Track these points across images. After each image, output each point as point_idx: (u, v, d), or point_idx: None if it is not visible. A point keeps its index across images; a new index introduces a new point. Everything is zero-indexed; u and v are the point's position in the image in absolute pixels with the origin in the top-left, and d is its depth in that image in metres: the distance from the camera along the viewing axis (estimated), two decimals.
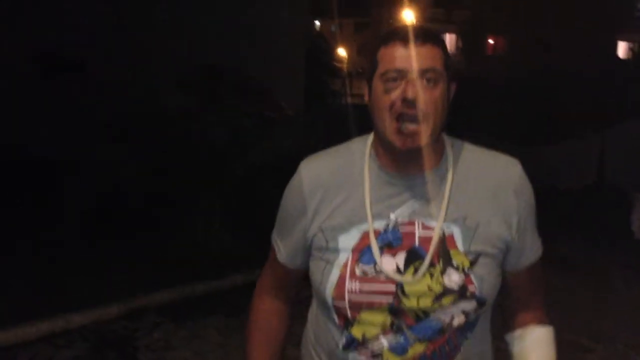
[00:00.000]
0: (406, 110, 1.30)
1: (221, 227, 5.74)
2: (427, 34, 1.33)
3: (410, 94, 1.29)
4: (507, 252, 1.42)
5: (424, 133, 1.31)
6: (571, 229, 7.34)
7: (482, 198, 1.39)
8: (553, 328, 1.51)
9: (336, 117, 11.71)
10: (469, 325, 1.40)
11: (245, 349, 1.57)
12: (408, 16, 33.40)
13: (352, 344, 1.40)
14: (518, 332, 1.51)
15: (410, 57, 1.30)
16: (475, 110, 11.67)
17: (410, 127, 1.31)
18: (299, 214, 1.44)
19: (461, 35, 37.56)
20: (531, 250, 1.47)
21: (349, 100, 18.16)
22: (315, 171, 1.45)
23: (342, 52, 36.63)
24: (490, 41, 37.20)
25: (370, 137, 1.45)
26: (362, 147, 1.45)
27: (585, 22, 33.79)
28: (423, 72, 1.30)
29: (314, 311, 1.55)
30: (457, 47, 38.48)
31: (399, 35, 1.33)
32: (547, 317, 1.53)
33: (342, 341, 1.41)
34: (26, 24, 7.13)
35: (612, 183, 8.45)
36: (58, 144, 6.37)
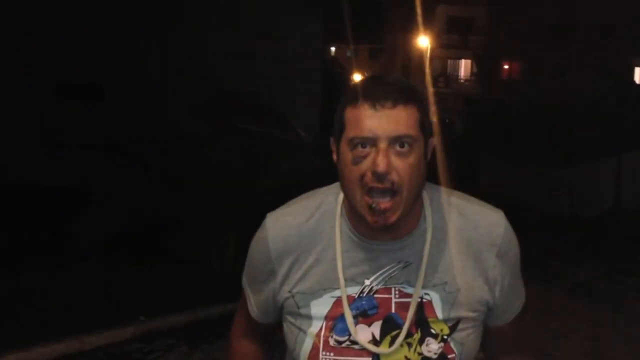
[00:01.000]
0: (376, 185, 1.18)
1: (236, 250, 5.75)
2: (398, 93, 1.19)
3: (380, 167, 1.16)
4: (490, 312, 1.34)
5: (397, 208, 1.20)
6: (588, 253, 7.28)
7: (463, 261, 1.29)
8: None
9: None
10: None
11: None
12: (422, 42, 33.55)
13: None
14: None
15: (380, 122, 1.17)
16: (491, 134, 11.67)
17: (382, 204, 1.18)
18: (267, 276, 1.34)
19: (476, 61, 37.68)
20: (514, 306, 1.39)
21: None
22: (282, 232, 1.33)
23: (357, 77, 36.86)
24: (505, 66, 37.26)
25: (338, 193, 1.32)
26: (332, 203, 1.33)
27: (601, 47, 33.81)
28: (395, 140, 1.17)
29: None
30: (472, 73, 38.58)
31: (367, 94, 1.19)
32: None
33: None
34: (43, 50, 7.26)
35: (629, 207, 8.38)
36: (74, 170, 6.45)
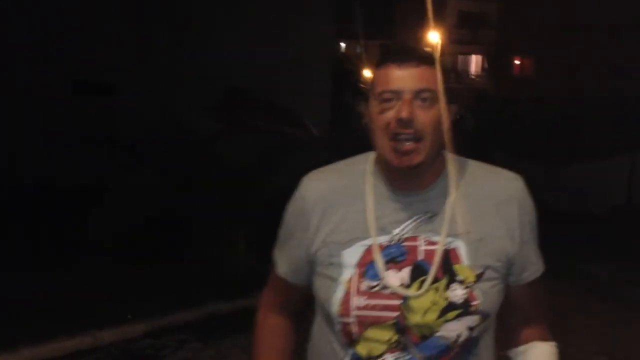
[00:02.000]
0: (401, 130, 1.31)
1: (247, 247, 5.77)
2: (421, 56, 1.35)
3: (404, 114, 1.30)
4: (510, 267, 1.41)
5: (420, 151, 1.32)
6: (598, 250, 7.25)
7: (485, 212, 1.39)
8: (556, 344, 1.49)
9: (362, 138, 11.75)
10: (472, 341, 1.39)
11: None
12: (433, 37, 33.44)
13: None
14: (521, 348, 1.49)
15: (404, 78, 1.32)
16: (502, 130, 11.63)
17: (406, 145, 1.32)
18: (302, 229, 1.44)
19: (487, 56, 37.50)
20: (534, 265, 1.46)
21: None
22: (317, 187, 1.45)
23: (367, 73, 36.78)
24: (517, 62, 37.06)
25: (372, 155, 1.45)
26: (364, 164, 1.45)
27: (612, 44, 33.54)
28: (417, 93, 1.31)
29: (317, 328, 1.51)
30: (483, 68, 38.42)
31: (393, 56, 1.35)
32: (550, 334, 1.51)
33: (347, 359, 1.40)
34: (56, 49, 7.29)
35: None
36: (87, 168, 6.48)
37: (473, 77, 38.94)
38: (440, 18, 34.72)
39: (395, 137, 1.32)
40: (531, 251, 1.44)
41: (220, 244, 5.76)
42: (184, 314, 4.89)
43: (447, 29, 37.01)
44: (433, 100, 1.32)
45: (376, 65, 1.38)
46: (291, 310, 1.57)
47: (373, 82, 1.38)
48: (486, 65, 38.02)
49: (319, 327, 1.50)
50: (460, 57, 40.19)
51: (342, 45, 35.06)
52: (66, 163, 6.59)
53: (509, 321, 1.50)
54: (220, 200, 5.78)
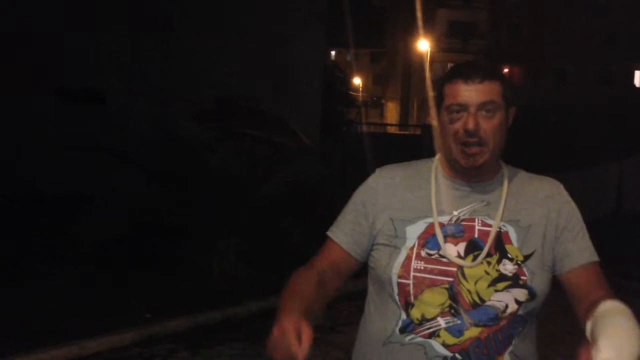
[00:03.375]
0: (468, 139, 1.52)
1: (237, 255, 5.75)
2: (485, 71, 1.54)
3: (470, 126, 1.50)
4: (555, 255, 1.57)
5: (484, 154, 1.53)
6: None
7: (533, 205, 1.60)
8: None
9: (352, 146, 11.78)
10: (521, 318, 1.53)
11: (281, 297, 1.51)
12: (423, 46, 33.60)
13: (409, 327, 1.52)
14: (595, 313, 1.41)
15: (470, 93, 1.52)
16: None
17: (473, 149, 1.52)
18: (371, 205, 1.61)
19: None
20: (582, 251, 1.58)
21: (364, 129, 18.23)
22: (389, 174, 1.66)
23: (358, 81, 36.89)
24: (506, 70, 37.27)
25: (435, 157, 1.67)
26: (428, 162, 1.67)
27: (601, 52, 33.83)
28: (482, 105, 1.52)
29: (371, 305, 1.64)
30: None
31: (461, 73, 1.55)
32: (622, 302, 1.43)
33: (400, 325, 1.53)
34: (44, 56, 7.25)
35: (629, 212, 8.37)
36: (78, 176, 6.45)
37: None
38: (430, 27, 34.90)
39: (463, 143, 1.52)
40: (577, 240, 1.59)
41: (210, 252, 5.73)
42: (173, 323, 4.86)
43: (437, 37, 37.23)
44: (495, 110, 1.53)
45: (445, 80, 1.57)
46: (327, 278, 1.59)
47: (442, 94, 1.56)
48: None
49: (373, 304, 1.63)
50: (450, 66, 40.35)
51: (332, 53, 35.16)
52: (53, 171, 6.55)
53: (576, 308, 1.55)
54: (210, 208, 5.76)
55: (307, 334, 1.32)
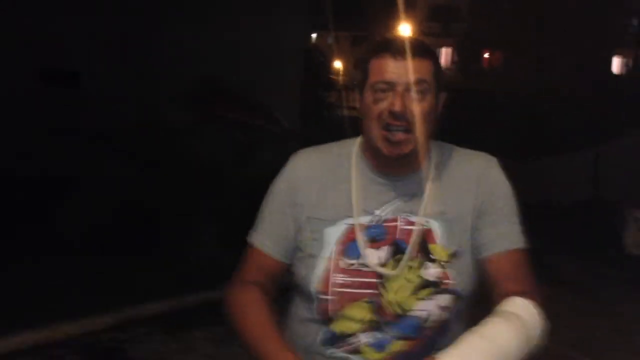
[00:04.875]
0: (393, 122, 1.36)
1: (216, 240, 5.73)
2: (416, 47, 1.39)
3: (397, 107, 1.34)
4: (474, 240, 1.44)
5: (410, 142, 1.37)
6: (564, 243, 7.36)
7: (459, 192, 1.45)
8: (539, 306, 1.40)
9: (332, 130, 11.77)
10: (445, 324, 1.43)
11: (248, 336, 1.43)
12: (405, 30, 33.55)
13: (331, 340, 1.43)
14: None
15: (399, 70, 1.36)
16: (469, 123, 11.74)
17: (397, 136, 1.37)
18: (290, 204, 1.48)
19: (457, 49, 37.78)
20: (499, 238, 1.44)
21: (345, 113, 18.22)
22: (306, 165, 1.50)
23: (338, 65, 36.78)
24: (486, 55, 37.39)
25: (357, 140, 1.51)
26: (349, 148, 1.50)
27: (579, 37, 34.01)
28: (411, 85, 1.36)
29: (293, 309, 1.55)
30: (453, 61, 38.71)
31: (390, 47, 1.38)
32: (532, 297, 1.41)
33: (321, 336, 1.44)
34: (23, 38, 7.12)
35: (606, 198, 8.48)
36: (59, 159, 6.36)
37: (443, 69, 39.22)
38: (411, 10, 34.84)
39: (387, 128, 1.37)
40: (497, 224, 1.45)
41: (188, 235, 5.70)
42: (148, 307, 4.83)
43: (417, 21, 37.19)
44: (425, 91, 1.37)
45: (371, 55, 1.41)
46: (268, 292, 1.52)
47: (367, 71, 1.41)
48: (456, 58, 38.30)
49: (294, 306, 1.54)
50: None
51: (313, 36, 34.99)
52: (30, 154, 6.45)
53: (491, 297, 1.47)
54: (189, 192, 5.73)
55: None
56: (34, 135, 6.63)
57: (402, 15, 31.12)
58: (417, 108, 1.36)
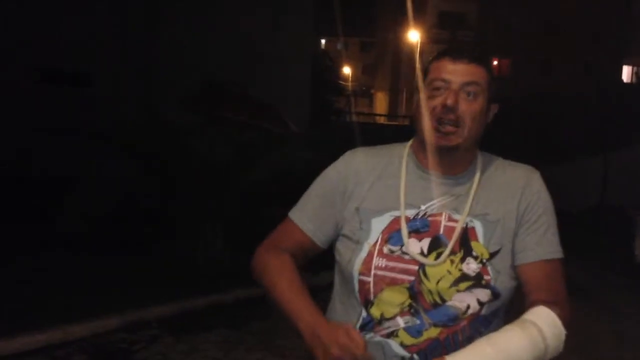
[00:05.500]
0: (444, 115, 1.46)
1: (223, 242, 5.74)
2: (474, 54, 1.50)
3: (449, 101, 1.45)
4: (514, 247, 1.51)
5: (458, 135, 1.47)
6: (572, 249, 7.32)
7: (504, 197, 1.53)
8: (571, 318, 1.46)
9: (340, 135, 11.78)
10: (483, 319, 1.48)
11: (279, 296, 1.48)
12: (413, 36, 33.58)
13: (369, 324, 1.49)
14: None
15: (455, 71, 1.48)
16: None
17: (447, 128, 1.47)
18: (340, 192, 1.56)
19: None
20: (536, 247, 1.51)
21: (353, 117, 18.25)
22: (359, 159, 1.59)
23: (347, 70, 36.84)
24: (495, 62, 37.32)
25: (409, 142, 1.62)
26: (401, 148, 1.61)
27: (588, 46, 33.95)
28: (464, 85, 1.47)
29: (334, 294, 1.61)
30: None
31: (450, 52, 1.51)
32: (562, 310, 1.47)
33: (360, 322, 1.50)
34: (30, 39, 7.16)
35: (615, 205, 8.44)
36: (60, 159, 6.39)
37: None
38: (420, 17, 34.86)
39: (439, 121, 1.46)
40: (535, 233, 1.52)
41: (196, 238, 5.71)
42: (157, 309, 4.84)
43: (426, 28, 37.20)
44: (477, 94, 1.48)
45: (433, 59, 1.53)
46: (297, 261, 1.57)
47: (426, 73, 1.52)
48: None
49: (336, 291, 1.60)
50: None
51: (322, 41, 35.06)
52: (37, 154, 6.49)
53: (523, 304, 1.52)
54: (196, 194, 5.74)
55: (357, 334, 1.33)
56: (38, 135, 6.66)
57: (410, 22, 31.14)
58: (468, 107, 1.47)
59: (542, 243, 1.52)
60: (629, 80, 34.83)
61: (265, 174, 5.79)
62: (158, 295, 4.95)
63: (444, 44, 38.44)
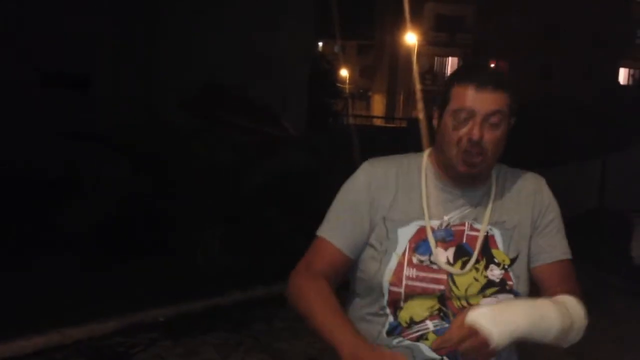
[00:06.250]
0: (470, 148, 1.50)
1: (222, 245, 5.73)
2: (497, 81, 1.51)
3: (475, 136, 1.49)
4: (530, 248, 1.61)
5: (482, 164, 1.53)
6: (573, 254, 7.33)
7: (517, 205, 1.62)
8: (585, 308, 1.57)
9: (338, 138, 11.78)
10: None
11: (318, 322, 1.44)
12: (411, 39, 33.62)
13: (397, 329, 1.53)
14: None
15: (480, 100, 1.49)
16: None
17: (474, 159, 1.51)
18: (364, 205, 1.58)
19: (463, 59, 37.81)
20: (550, 248, 1.62)
21: (351, 120, 18.25)
22: (380, 170, 1.62)
23: (344, 73, 36.86)
24: (492, 65, 37.34)
25: (425, 153, 1.66)
26: (418, 159, 1.65)
27: (586, 48, 34.02)
28: (489, 115, 1.49)
29: (351, 309, 1.62)
30: None
31: (474, 78, 1.51)
32: (578, 299, 1.58)
33: (387, 327, 1.53)
34: (30, 40, 7.15)
35: (613, 208, 8.45)
36: (60, 161, 6.38)
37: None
38: (417, 20, 34.90)
39: (465, 152, 1.51)
40: (548, 235, 1.62)
41: (195, 241, 5.71)
42: (155, 312, 4.83)
43: (424, 31, 37.26)
44: (500, 121, 1.51)
45: (455, 80, 1.53)
46: (332, 284, 1.54)
47: (449, 96, 1.53)
48: None
49: (354, 307, 1.62)
50: (437, 59, 40.45)
51: (320, 44, 35.08)
52: (37, 156, 6.47)
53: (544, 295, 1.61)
54: (196, 196, 5.73)
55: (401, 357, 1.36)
56: (38, 136, 6.65)
57: (408, 24, 31.19)
58: (492, 136, 1.50)
59: (555, 245, 1.63)
60: (625, 83, 34.93)
61: (265, 177, 5.79)
62: (156, 298, 4.94)
63: (442, 47, 38.54)
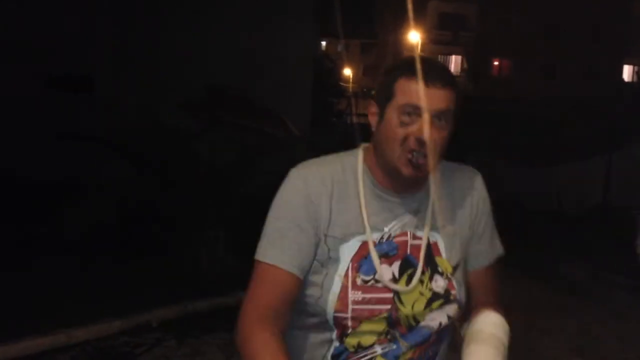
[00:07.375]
0: (418, 148, 1.38)
1: (226, 246, 5.74)
2: (446, 77, 1.40)
3: (425, 136, 1.37)
4: (469, 254, 1.55)
5: (429, 165, 1.40)
6: (575, 250, 7.32)
7: (455, 205, 1.53)
8: (504, 318, 1.54)
9: (342, 137, 11.77)
10: (447, 329, 1.51)
11: None
12: (414, 38, 33.57)
13: (343, 354, 1.44)
14: (473, 318, 1.55)
15: (430, 97, 1.37)
16: (480, 131, 11.72)
17: (420, 160, 1.38)
18: (307, 219, 1.42)
19: (466, 57, 37.78)
20: (482, 254, 1.57)
21: (355, 120, 18.23)
22: (316, 179, 1.45)
23: (348, 72, 36.83)
24: (496, 63, 37.32)
25: (359, 153, 1.51)
26: (352, 162, 1.50)
27: (589, 45, 33.93)
28: (438, 113, 1.38)
29: (296, 329, 1.48)
30: (462, 69, 38.69)
31: (422, 72, 1.39)
32: (503, 313, 1.56)
33: (332, 351, 1.45)
34: (32, 43, 7.16)
35: (617, 205, 8.43)
36: (61, 162, 6.39)
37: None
38: (420, 18, 34.87)
39: (411, 152, 1.38)
40: (487, 240, 1.57)
41: (198, 242, 5.72)
42: (160, 312, 4.84)
43: (427, 29, 37.21)
44: (448, 120, 1.40)
45: (399, 74, 1.40)
46: (284, 322, 1.41)
47: (393, 90, 1.40)
48: (465, 66, 38.27)
49: (299, 329, 1.47)
50: (440, 58, 40.40)
51: (323, 43, 35.08)
52: (39, 159, 6.49)
53: (471, 304, 1.58)
54: (199, 198, 5.74)
55: None
56: (38, 138, 6.66)
57: (411, 23, 31.15)
58: (438, 134, 1.39)
59: (487, 250, 1.58)
60: (630, 80, 34.82)
61: (268, 178, 5.78)
62: (161, 299, 4.95)
63: (445, 45, 38.47)
